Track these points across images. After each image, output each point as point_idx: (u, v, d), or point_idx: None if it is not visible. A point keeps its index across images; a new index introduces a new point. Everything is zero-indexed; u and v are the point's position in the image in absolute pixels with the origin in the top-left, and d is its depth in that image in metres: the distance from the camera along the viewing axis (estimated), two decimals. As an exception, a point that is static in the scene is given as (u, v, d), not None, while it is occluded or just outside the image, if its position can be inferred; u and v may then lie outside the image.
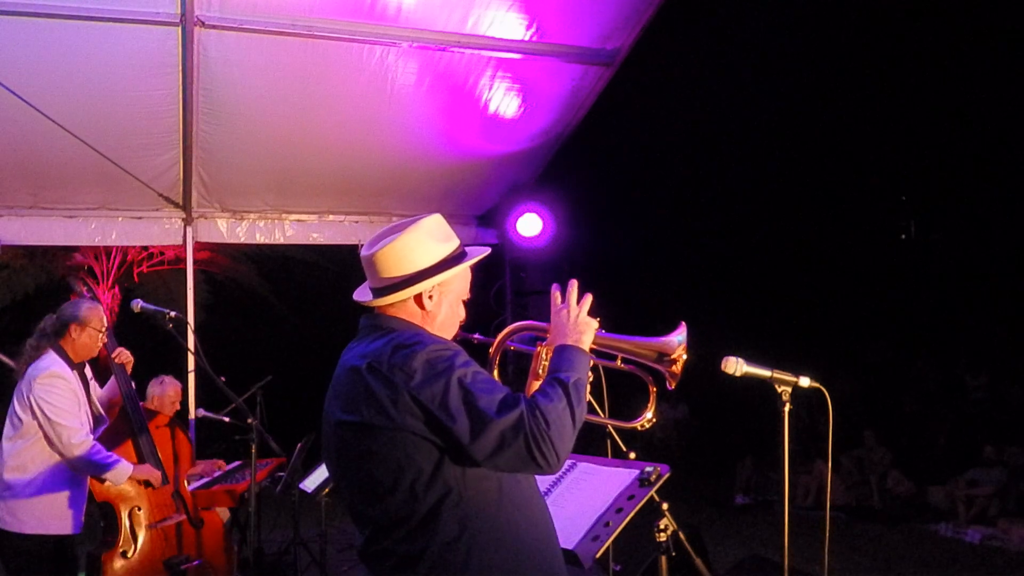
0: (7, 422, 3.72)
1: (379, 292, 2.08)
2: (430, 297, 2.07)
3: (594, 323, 2.18)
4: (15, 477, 3.63)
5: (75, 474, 3.77)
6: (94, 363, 4.16)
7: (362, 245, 2.14)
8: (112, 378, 4.34)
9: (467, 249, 2.16)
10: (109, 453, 3.84)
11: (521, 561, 1.92)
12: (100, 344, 3.98)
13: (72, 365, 3.83)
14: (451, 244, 2.11)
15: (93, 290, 4.49)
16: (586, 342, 2.13)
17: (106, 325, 4.01)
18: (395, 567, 1.90)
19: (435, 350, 1.91)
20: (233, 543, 4.71)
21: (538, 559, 1.96)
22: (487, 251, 2.17)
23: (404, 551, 1.88)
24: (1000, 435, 9.33)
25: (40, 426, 3.64)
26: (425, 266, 2.05)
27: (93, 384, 4.16)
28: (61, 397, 3.67)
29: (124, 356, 4.28)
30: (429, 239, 2.07)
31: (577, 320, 2.15)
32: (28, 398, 3.65)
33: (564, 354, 2.07)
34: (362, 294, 2.16)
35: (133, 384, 4.39)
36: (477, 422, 1.83)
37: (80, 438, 3.69)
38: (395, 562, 1.90)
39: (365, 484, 1.93)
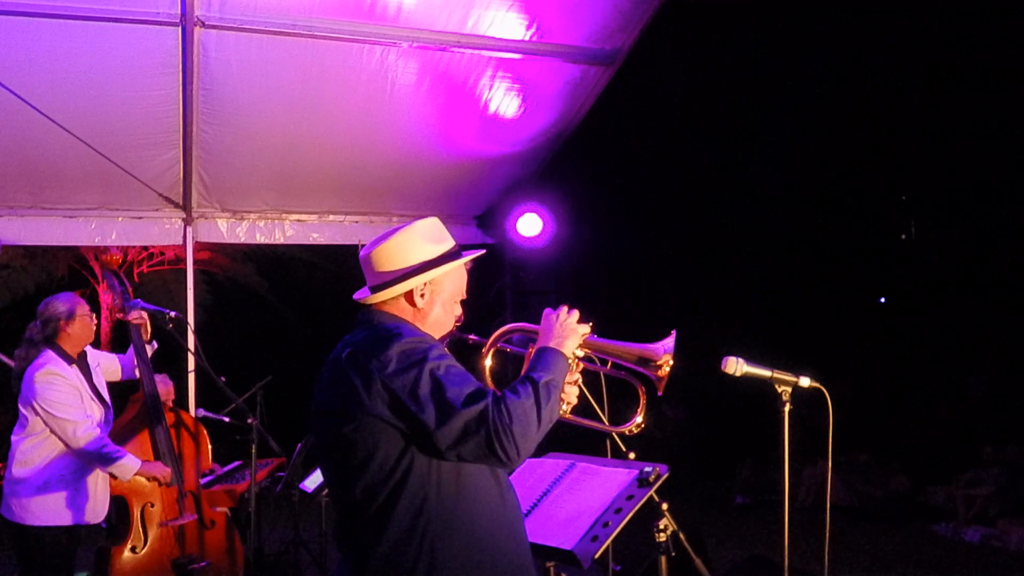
0: (18, 421, 3.82)
1: (373, 289, 2.15)
2: (422, 295, 2.14)
3: (581, 329, 2.21)
4: (24, 471, 3.74)
5: (84, 466, 3.84)
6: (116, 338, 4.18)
7: (362, 245, 2.21)
8: (131, 349, 4.37)
9: (463, 250, 2.23)
10: (117, 447, 3.89)
11: (476, 554, 1.95)
12: (93, 328, 4.02)
13: (70, 360, 3.88)
14: (444, 245, 2.18)
15: (125, 284, 4.50)
16: (568, 347, 2.17)
17: (90, 310, 4.01)
18: (356, 552, 1.99)
19: (411, 341, 1.98)
20: (238, 545, 4.69)
21: (496, 553, 1.99)
22: (481, 252, 2.24)
23: (365, 534, 1.95)
24: (1000, 435, 9.33)
25: (46, 423, 3.73)
26: (415, 263, 2.12)
27: (101, 368, 4.20)
28: (61, 393, 3.75)
29: (137, 316, 4.29)
30: (422, 239, 2.15)
31: (563, 324, 2.20)
32: (29, 396, 3.74)
33: (542, 355, 2.13)
34: (362, 293, 2.22)
35: (151, 370, 4.38)
36: (443, 412, 1.88)
37: (86, 430, 3.77)
38: (356, 547, 1.98)
39: (338, 469, 2.02)
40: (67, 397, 3.77)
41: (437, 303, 2.17)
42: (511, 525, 2.07)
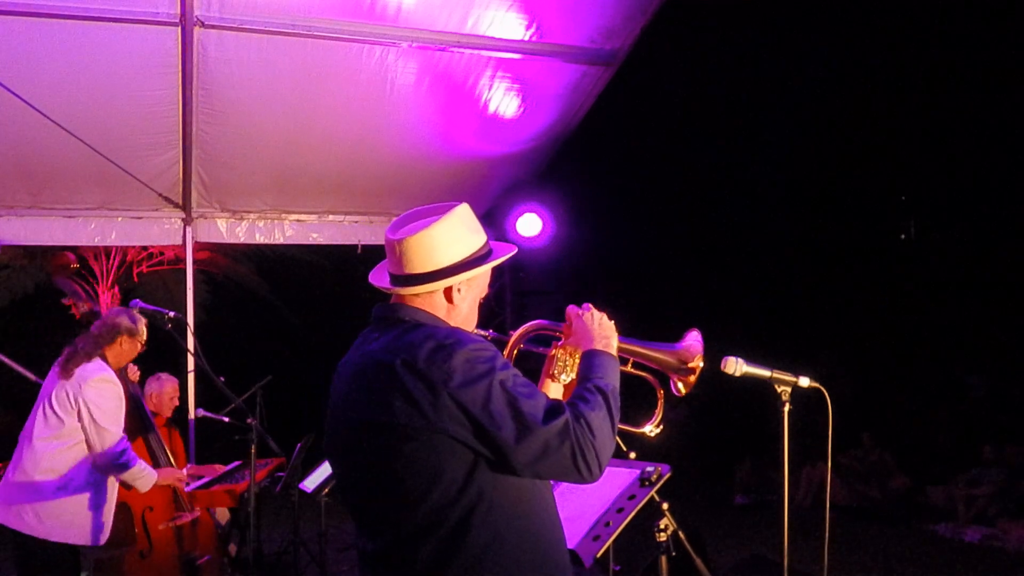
0: (39, 421, 3.63)
1: (405, 280, 1.96)
2: (459, 290, 1.98)
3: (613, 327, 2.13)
4: (46, 479, 3.56)
5: (102, 481, 3.71)
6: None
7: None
8: None
9: (492, 244, 2.07)
10: (139, 459, 3.83)
11: (546, 567, 1.88)
12: (135, 354, 4.01)
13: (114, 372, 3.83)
14: (482, 236, 2.02)
15: (88, 291, 4.50)
16: (614, 347, 2.08)
17: (144, 340, 4.04)
18: (421, 575, 1.82)
19: (474, 350, 1.81)
20: (223, 541, 4.73)
21: (553, 555, 1.92)
22: (515, 249, 2.08)
23: (433, 559, 1.80)
24: (1000, 435, 9.32)
25: (84, 428, 3.60)
26: (460, 259, 1.95)
27: None
28: (110, 401, 3.66)
29: (133, 373, 4.45)
30: (463, 229, 1.97)
31: (602, 324, 2.11)
32: (77, 400, 3.58)
33: (596, 360, 2.01)
34: (380, 279, 2.04)
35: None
36: (522, 428, 1.76)
37: (122, 445, 3.69)
38: (422, 570, 1.81)
39: (390, 488, 1.82)
40: (114, 407, 3.68)
41: (468, 298, 2.01)
42: (560, 527, 2.00)
